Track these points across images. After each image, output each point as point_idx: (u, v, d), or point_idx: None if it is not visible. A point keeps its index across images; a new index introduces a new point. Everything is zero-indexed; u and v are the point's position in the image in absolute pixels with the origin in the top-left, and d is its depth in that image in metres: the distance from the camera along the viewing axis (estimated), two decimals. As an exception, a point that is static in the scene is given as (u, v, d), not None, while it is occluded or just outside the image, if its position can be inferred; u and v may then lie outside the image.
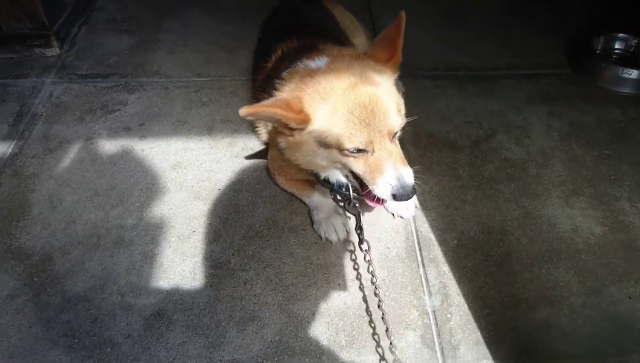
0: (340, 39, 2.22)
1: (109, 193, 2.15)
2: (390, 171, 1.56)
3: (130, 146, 2.37)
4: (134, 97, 2.65)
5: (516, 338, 1.70)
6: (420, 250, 1.96)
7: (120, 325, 1.72)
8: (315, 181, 2.01)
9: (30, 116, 2.53)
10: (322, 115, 1.55)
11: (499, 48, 3.01)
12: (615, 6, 3.35)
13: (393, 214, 2.07)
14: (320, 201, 2.03)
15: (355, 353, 1.66)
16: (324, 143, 1.59)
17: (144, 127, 2.48)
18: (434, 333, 1.72)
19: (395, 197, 1.58)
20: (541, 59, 2.93)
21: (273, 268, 1.89)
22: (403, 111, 1.62)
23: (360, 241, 1.85)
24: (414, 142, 2.38)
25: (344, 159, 1.61)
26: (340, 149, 1.57)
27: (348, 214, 2.04)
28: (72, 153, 2.33)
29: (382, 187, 1.59)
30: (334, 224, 1.96)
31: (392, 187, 1.57)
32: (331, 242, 1.96)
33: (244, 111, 1.47)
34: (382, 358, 1.64)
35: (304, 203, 2.09)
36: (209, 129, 2.47)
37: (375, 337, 1.70)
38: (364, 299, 1.80)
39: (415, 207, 2.08)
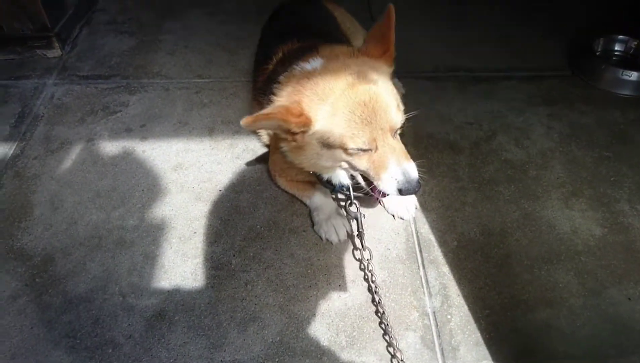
0: (340, 41, 2.22)
1: (110, 194, 2.16)
2: (394, 166, 1.58)
3: (131, 147, 2.38)
4: (135, 99, 2.66)
5: (516, 339, 1.71)
6: (420, 251, 1.97)
7: (122, 325, 1.73)
8: (316, 182, 2.02)
9: (31, 117, 2.54)
10: (322, 116, 1.56)
11: (499, 49, 3.02)
12: (615, 8, 3.36)
13: (393, 216, 2.07)
14: (321, 202, 2.04)
15: (355, 354, 1.66)
16: (327, 144, 1.60)
17: (145, 128, 2.48)
18: (434, 334, 1.72)
19: (401, 192, 1.59)
20: (541, 61, 2.94)
21: (274, 269, 1.90)
22: (402, 107, 1.64)
23: (362, 247, 1.88)
24: (414, 143, 2.38)
25: (348, 158, 1.63)
26: (344, 149, 1.58)
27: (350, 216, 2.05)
28: (74, 154, 2.34)
29: (387, 182, 1.60)
30: (335, 225, 1.97)
31: (398, 182, 1.58)
32: (332, 243, 1.97)
33: (245, 121, 1.49)
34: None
35: (305, 205, 2.10)
36: (210, 130, 2.48)
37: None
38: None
39: (416, 208, 2.09)
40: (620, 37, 2.94)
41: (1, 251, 1.95)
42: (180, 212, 2.09)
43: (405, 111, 1.65)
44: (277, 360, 1.65)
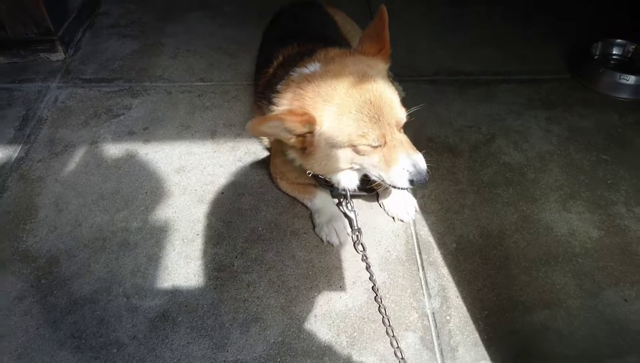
0: (340, 44, 2.25)
1: (114, 196, 2.18)
2: (404, 158, 1.64)
3: (134, 150, 2.40)
4: (138, 102, 2.68)
5: (514, 340, 1.73)
6: (420, 253, 1.99)
7: (126, 326, 1.75)
8: (317, 185, 2.04)
9: (35, 120, 2.56)
10: (329, 117, 1.59)
11: (498, 53, 3.04)
12: (613, 12, 3.38)
13: (393, 218, 2.10)
14: (322, 204, 2.06)
15: (356, 354, 1.69)
16: (336, 144, 1.63)
17: (148, 131, 2.51)
18: (434, 334, 1.75)
19: (412, 182, 1.65)
20: (540, 65, 2.96)
21: (275, 271, 1.92)
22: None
23: (358, 244, 1.92)
24: (414, 146, 2.40)
25: (358, 156, 1.67)
26: (354, 147, 1.62)
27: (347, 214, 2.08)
28: (78, 156, 2.36)
29: (399, 174, 1.65)
30: (336, 227, 1.99)
31: (410, 173, 1.64)
32: (332, 245, 1.99)
33: (250, 126, 1.52)
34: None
35: (306, 207, 2.13)
36: (212, 133, 2.50)
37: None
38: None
39: (415, 211, 2.11)
40: (618, 41, 2.97)
41: (7, 253, 1.97)
42: (183, 214, 2.12)
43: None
44: (278, 360, 1.67)
